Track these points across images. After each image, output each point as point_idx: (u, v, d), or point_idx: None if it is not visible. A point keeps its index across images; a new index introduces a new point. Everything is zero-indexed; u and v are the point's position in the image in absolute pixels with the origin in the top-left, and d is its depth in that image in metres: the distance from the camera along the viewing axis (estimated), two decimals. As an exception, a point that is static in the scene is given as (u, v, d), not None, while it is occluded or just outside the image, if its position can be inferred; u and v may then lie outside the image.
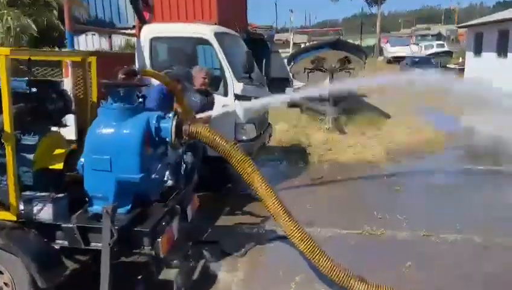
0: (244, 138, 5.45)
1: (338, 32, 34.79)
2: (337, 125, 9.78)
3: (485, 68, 16.34)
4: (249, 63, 5.16)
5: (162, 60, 5.90)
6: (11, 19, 9.39)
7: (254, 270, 3.77)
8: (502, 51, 15.21)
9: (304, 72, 11.56)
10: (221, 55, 5.38)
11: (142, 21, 6.88)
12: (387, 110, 12.46)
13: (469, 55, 19.15)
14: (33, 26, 10.67)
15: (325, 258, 3.12)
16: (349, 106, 11.39)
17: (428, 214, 4.94)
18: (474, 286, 3.49)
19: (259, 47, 16.84)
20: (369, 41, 46.19)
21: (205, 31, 5.52)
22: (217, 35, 5.55)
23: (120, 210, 3.17)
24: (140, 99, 3.36)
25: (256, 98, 5.68)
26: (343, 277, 3.09)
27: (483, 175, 6.61)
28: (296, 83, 12.46)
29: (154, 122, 3.19)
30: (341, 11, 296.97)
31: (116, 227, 2.91)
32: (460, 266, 3.76)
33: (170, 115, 3.25)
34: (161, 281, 3.52)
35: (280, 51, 17.63)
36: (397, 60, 30.13)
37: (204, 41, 5.52)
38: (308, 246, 3.13)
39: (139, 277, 3.55)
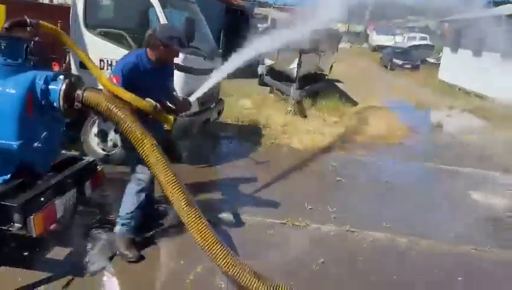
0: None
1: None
2: (300, 108, 9.48)
3: (460, 66, 16.22)
4: (189, 32, 4.72)
5: (98, 17, 5.40)
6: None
7: (153, 257, 3.43)
8: (477, 50, 15.06)
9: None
10: (162, 19, 4.94)
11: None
12: (358, 98, 12.27)
13: (446, 51, 18.98)
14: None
15: (219, 248, 2.81)
16: (317, 90, 11.11)
17: (361, 209, 4.72)
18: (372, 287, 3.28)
19: (239, 19, 16.42)
20: (357, 27, 45.63)
21: (148, -12, 5.05)
22: (162, -4, 5.10)
23: (-5, 180, 2.81)
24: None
25: (199, 70, 5.31)
26: (237, 271, 2.79)
27: (432, 174, 6.45)
28: (267, 61, 12.03)
29: (41, 83, 2.79)
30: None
31: (-21, 199, 2.56)
32: (372, 267, 3.53)
33: (61, 76, 2.86)
34: (52, 260, 3.19)
35: (258, 25, 17.11)
36: (381, 48, 29.94)
37: (146, 1, 5.04)
38: (202, 234, 2.81)
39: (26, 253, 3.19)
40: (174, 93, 3.63)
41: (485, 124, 9.90)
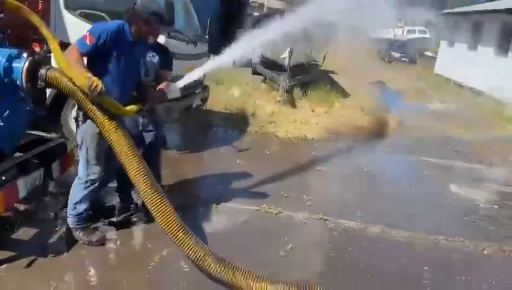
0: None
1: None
2: (290, 98, 9.44)
3: (456, 60, 16.14)
4: (168, 14, 4.65)
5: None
6: None
7: (122, 238, 3.42)
8: (473, 44, 14.97)
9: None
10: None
11: None
12: (349, 89, 12.21)
13: (443, 44, 18.87)
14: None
15: (182, 233, 2.81)
16: (309, 80, 11.04)
17: (338, 198, 4.72)
18: (339, 276, 3.26)
19: (234, 7, 16.28)
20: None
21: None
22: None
23: (-44, 158, 2.79)
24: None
25: (181, 54, 5.25)
26: (200, 255, 2.79)
27: (414, 165, 6.44)
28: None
29: (4, 60, 2.74)
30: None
31: None
32: (339, 255, 3.53)
33: (24, 54, 2.81)
34: (18, 240, 3.18)
35: (254, 14, 16.97)
36: (380, 41, 29.72)
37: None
38: (165, 217, 2.80)
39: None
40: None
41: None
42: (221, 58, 3.50)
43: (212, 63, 3.61)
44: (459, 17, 17.57)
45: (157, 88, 3.40)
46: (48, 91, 4.88)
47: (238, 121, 7.53)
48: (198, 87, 6.32)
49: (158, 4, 3.17)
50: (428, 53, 24.99)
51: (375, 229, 4.02)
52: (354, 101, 10.42)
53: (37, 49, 5.03)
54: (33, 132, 3.60)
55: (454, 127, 8.76)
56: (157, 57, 3.83)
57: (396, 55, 23.07)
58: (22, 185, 2.93)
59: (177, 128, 6.72)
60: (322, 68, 13.65)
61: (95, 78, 2.68)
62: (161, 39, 4.91)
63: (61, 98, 4.97)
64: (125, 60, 2.99)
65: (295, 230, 3.89)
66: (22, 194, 2.93)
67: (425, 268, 3.44)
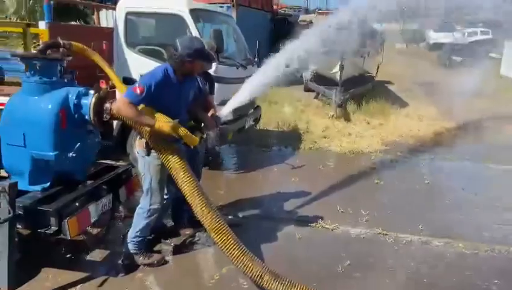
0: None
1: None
2: (343, 112, 9.36)
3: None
4: (217, 43, 4.91)
5: (138, 35, 5.77)
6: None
7: (182, 257, 3.60)
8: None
9: (317, 55, 11.08)
10: (194, 33, 5.18)
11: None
12: (407, 98, 11.82)
13: (508, 45, 17.67)
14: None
15: (238, 251, 2.91)
16: (362, 92, 10.89)
17: (397, 212, 4.57)
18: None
19: (284, 27, 16.58)
20: (411, 25, 43.84)
21: (180, 7, 5.33)
22: (194, 11, 5.35)
23: (36, 187, 3.14)
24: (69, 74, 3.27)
25: (232, 79, 5.47)
26: (256, 272, 2.87)
27: (481, 174, 6.08)
28: (310, 66, 12.01)
29: (74, 98, 3.09)
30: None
31: (21, 205, 2.87)
32: (401, 270, 3.43)
33: (91, 91, 3.13)
34: (90, 261, 3.46)
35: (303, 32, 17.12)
36: (439, 46, 28.56)
37: (179, 18, 5.31)
38: (221, 236, 2.93)
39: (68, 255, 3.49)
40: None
41: None
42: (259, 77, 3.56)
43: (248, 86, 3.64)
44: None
45: (210, 114, 3.48)
46: (115, 123, 5.31)
47: (291, 139, 7.59)
48: (250, 108, 6.50)
49: (198, 41, 3.21)
50: (493, 54, 23.50)
51: (439, 242, 3.86)
52: (412, 110, 10.09)
53: (103, 85, 5.51)
54: (103, 161, 3.92)
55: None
56: (207, 83, 3.98)
57: (458, 59, 21.93)
58: (93, 210, 3.21)
59: (231, 149, 6.93)
60: (377, 79, 13.41)
61: (174, 121, 2.92)
62: (212, 66, 5.18)
63: (127, 128, 5.37)
64: (177, 97, 3.13)
65: (353, 245, 3.83)
66: (93, 218, 3.21)
67: (495, 281, 3.24)
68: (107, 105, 3.11)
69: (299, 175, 5.72)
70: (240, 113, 5.93)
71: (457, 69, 21.03)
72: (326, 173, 5.94)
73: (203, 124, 3.40)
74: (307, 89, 12.14)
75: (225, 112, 3.68)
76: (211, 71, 5.11)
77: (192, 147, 3.21)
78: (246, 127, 6.25)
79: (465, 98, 11.87)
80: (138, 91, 2.92)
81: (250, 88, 3.64)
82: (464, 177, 6.02)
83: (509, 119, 9.18)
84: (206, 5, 6.11)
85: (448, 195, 5.12)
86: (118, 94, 4.60)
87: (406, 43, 34.88)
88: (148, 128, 2.98)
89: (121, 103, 2.94)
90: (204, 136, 3.49)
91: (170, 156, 3.02)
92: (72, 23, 10.43)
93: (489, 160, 6.50)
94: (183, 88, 3.21)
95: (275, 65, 3.56)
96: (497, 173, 6.02)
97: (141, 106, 2.98)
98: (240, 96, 3.63)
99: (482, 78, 16.96)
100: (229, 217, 4.25)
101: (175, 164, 3.02)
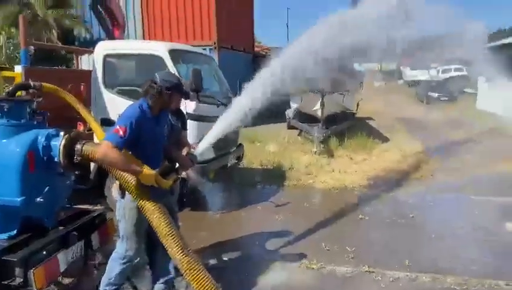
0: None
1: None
2: (326, 148, 9.39)
3: (497, 96, 15.51)
4: (196, 82, 4.92)
5: (116, 77, 5.76)
6: (2, 37, 9.59)
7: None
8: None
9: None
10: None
11: (110, 37, 6.86)
12: (388, 134, 11.96)
13: (481, 80, 18.34)
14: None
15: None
16: (343, 129, 11.00)
17: (383, 247, 4.46)
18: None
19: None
20: (389, 64, 45.35)
21: (159, 48, 5.38)
22: (173, 52, 5.39)
23: (2, 236, 2.95)
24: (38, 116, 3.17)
25: (212, 117, 5.43)
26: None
27: (465, 206, 6.05)
28: (292, 104, 12.18)
29: (43, 140, 2.97)
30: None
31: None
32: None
33: (61, 133, 3.03)
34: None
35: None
36: (416, 83, 29.50)
37: (159, 59, 5.33)
38: (198, 280, 2.76)
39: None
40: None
41: None
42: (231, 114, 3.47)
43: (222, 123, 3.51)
44: (493, 51, 17.17)
45: (185, 153, 3.37)
46: (92, 165, 5.16)
47: (275, 176, 7.51)
48: (232, 146, 6.45)
49: (176, 76, 3.24)
50: (469, 90, 24.31)
51: (426, 278, 3.74)
52: (393, 145, 10.17)
53: (81, 128, 5.40)
54: (76, 206, 3.75)
55: (503, 161, 8.25)
56: (178, 121, 3.82)
57: (435, 95, 22.62)
58: (63, 259, 3.02)
59: (213, 188, 6.78)
60: (357, 115, 13.61)
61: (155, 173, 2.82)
62: (192, 105, 5.16)
63: (103, 171, 5.22)
64: (153, 134, 3.02)
65: (339, 285, 3.68)
66: (62, 267, 3.01)
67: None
68: (78, 146, 2.98)
69: (283, 213, 5.60)
70: (221, 151, 5.88)
71: (435, 104, 21.65)
72: (310, 210, 5.83)
73: (177, 164, 3.27)
74: (290, 127, 12.23)
75: (200, 149, 3.56)
76: (191, 110, 5.12)
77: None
78: (229, 165, 6.18)
79: (444, 132, 12.18)
80: (121, 132, 2.77)
81: (224, 123, 3.51)
82: (448, 209, 5.96)
83: (487, 151, 9.31)
84: (186, 46, 6.17)
85: (434, 228, 5.04)
86: (95, 136, 4.50)
87: (385, 81, 35.99)
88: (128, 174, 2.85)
89: (105, 148, 2.75)
90: (180, 176, 3.34)
91: (145, 198, 2.90)
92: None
93: (472, 191, 6.49)
94: (159, 123, 3.11)
95: (247, 99, 3.53)
96: (480, 204, 5.98)
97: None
98: (214, 132, 3.52)
99: (459, 113, 17.48)
100: (211, 260, 4.08)
101: (150, 205, 2.89)
